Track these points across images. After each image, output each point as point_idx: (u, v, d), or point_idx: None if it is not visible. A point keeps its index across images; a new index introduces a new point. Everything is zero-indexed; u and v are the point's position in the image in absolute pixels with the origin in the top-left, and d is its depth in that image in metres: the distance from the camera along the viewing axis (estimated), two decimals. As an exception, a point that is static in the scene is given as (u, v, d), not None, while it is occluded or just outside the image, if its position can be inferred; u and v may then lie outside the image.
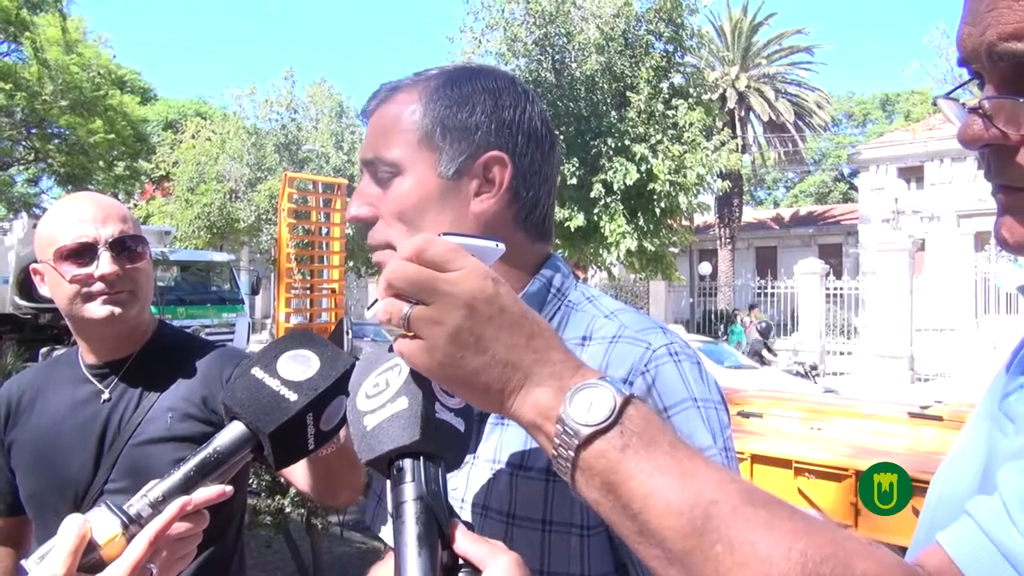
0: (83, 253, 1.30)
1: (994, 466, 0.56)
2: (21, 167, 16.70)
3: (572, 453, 0.56)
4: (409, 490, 0.60)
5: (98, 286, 1.31)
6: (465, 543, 0.59)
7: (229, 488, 0.73)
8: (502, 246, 0.68)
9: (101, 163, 15.90)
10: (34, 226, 11.26)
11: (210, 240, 23.47)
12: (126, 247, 1.34)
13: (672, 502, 0.53)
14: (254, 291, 16.48)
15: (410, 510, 0.59)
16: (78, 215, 1.33)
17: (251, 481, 3.05)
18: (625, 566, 0.76)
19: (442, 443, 0.63)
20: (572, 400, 0.57)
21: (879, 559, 0.51)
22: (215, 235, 23.70)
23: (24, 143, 15.40)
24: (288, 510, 3.66)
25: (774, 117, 25.79)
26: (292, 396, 0.72)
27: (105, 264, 1.30)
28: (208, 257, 15.78)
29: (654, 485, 0.54)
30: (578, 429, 0.56)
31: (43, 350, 12.85)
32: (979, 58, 0.55)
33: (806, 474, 4.02)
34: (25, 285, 13.43)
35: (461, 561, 0.59)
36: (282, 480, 3.62)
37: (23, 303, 13.56)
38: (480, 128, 0.83)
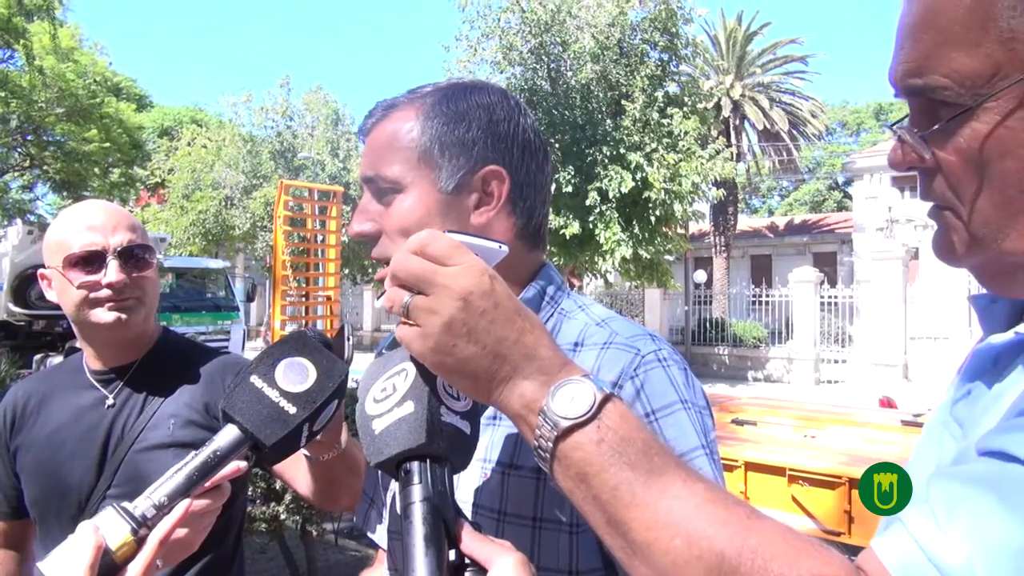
0: (91, 260, 1.33)
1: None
2: (16, 174, 16.67)
3: (551, 444, 0.60)
4: (416, 492, 0.62)
5: (105, 292, 1.33)
6: (471, 543, 0.61)
7: (244, 464, 0.76)
8: (505, 247, 0.71)
9: (96, 170, 15.90)
10: (29, 232, 11.14)
11: (205, 247, 23.41)
12: (134, 255, 1.36)
13: (638, 495, 0.57)
14: (249, 298, 16.44)
15: (417, 511, 0.61)
16: (88, 223, 1.35)
17: (247, 488, 3.05)
18: (613, 563, 0.78)
19: (448, 445, 0.66)
20: (555, 394, 0.61)
21: (825, 559, 0.53)
22: (210, 242, 23.64)
23: (19, 150, 15.38)
24: (283, 517, 3.65)
25: (768, 126, 25.89)
26: (292, 409, 0.74)
27: (113, 272, 1.32)
28: (203, 264, 15.73)
29: (623, 478, 0.57)
30: (558, 421, 0.59)
31: (37, 357, 12.77)
32: (901, 92, 0.61)
33: (800, 482, 4.03)
34: (20, 292, 13.37)
35: (467, 560, 0.61)
36: (277, 487, 3.62)
37: (17, 310, 13.49)
38: (477, 143, 0.86)
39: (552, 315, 0.91)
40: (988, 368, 0.64)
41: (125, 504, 0.71)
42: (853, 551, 0.56)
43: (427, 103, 0.87)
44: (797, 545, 0.54)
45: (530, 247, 0.92)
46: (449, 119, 0.86)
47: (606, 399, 0.60)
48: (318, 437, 1.03)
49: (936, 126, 0.58)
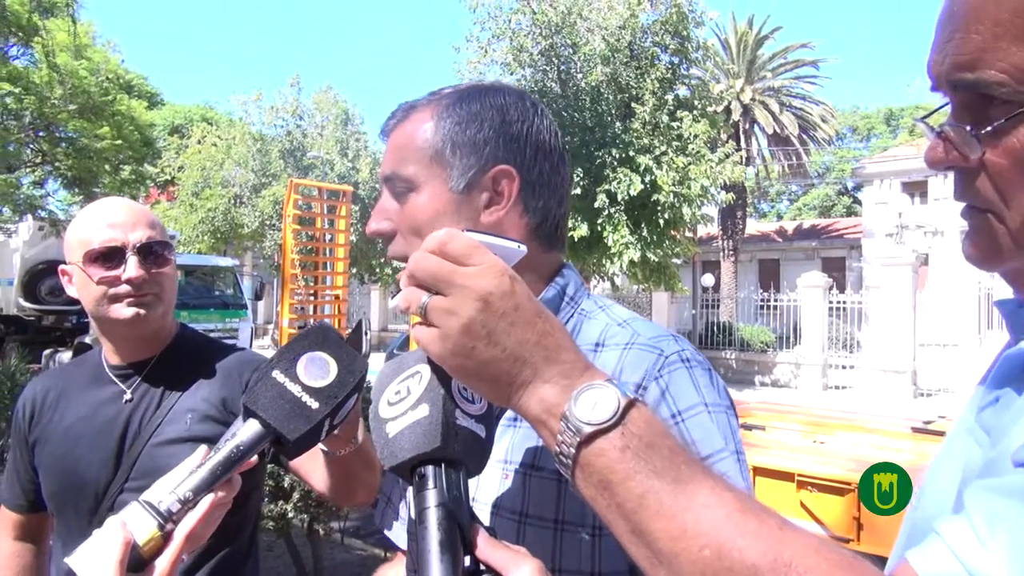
0: (111, 256, 1.34)
1: (968, 480, 0.57)
2: (28, 170, 16.73)
3: (573, 450, 0.58)
4: (431, 496, 0.61)
5: (124, 288, 1.35)
6: (487, 549, 0.60)
7: (254, 458, 0.76)
8: (524, 248, 0.69)
9: (107, 167, 15.92)
10: (40, 228, 11.21)
11: (214, 245, 23.51)
12: (153, 252, 1.38)
13: (665, 504, 0.55)
14: (257, 296, 16.49)
15: (432, 516, 0.60)
16: (108, 219, 1.37)
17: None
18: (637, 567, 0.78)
19: (463, 449, 0.64)
20: (578, 399, 0.59)
21: (862, 573, 0.52)
22: (219, 240, 23.75)
23: (32, 146, 15.44)
24: (290, 515, 3.66)
25: (778, 130, 25.83)
26: (314, 404, 0.73)
27: (132, 268, 1.34)
28: (212, 262, 15.80)
29: (649, 487, 0.55)
30: (581, 427, 0.57)
31: (46, 352, 12.87)
32: (943, 85, 0.58)
33: (809, 487, 4.02)
34: (30, 287, 13.47)
35: (483, 567, 0.59)
36: (285, 485, 3.63)
37: (27, 305, 13.59)
38: (488, 143, 0.87)
39: (572, 315, 0.91)
40: (1017, 375, 0.63)
41: (150, 499, 0.71)
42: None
43: (443, 104, 0.88)
44: (832, 558, 0.52)
45: (546, 247, 0.92)
46: (461, 119, 0.87)
47: (630, 404, 0.58)
48: (336, 431, 1.03)
49: (993, 125, 0.54)
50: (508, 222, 0.87)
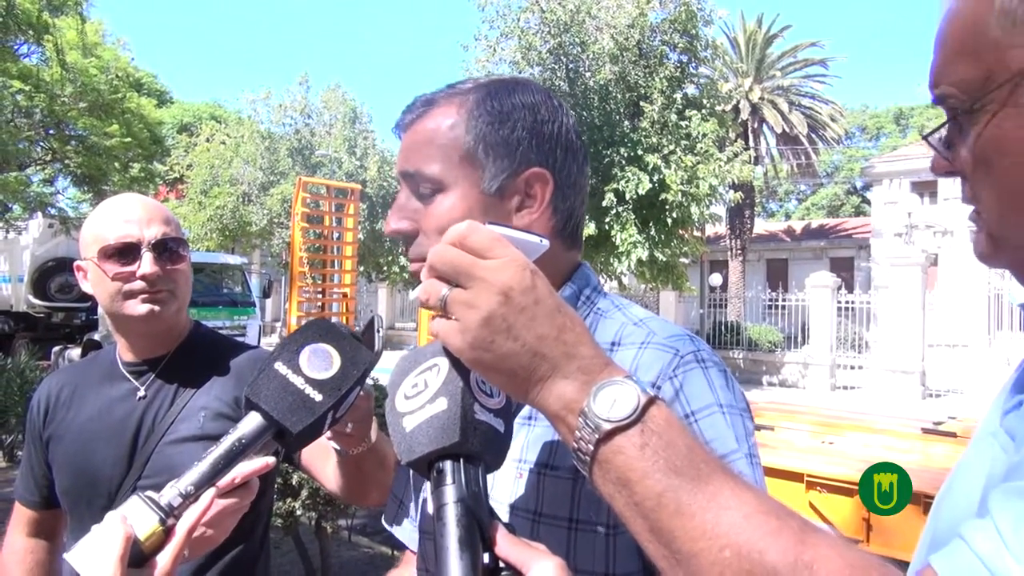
0: (126, 252, 1.35)
1: (993, 484, 0.57)
2: (38, 167, 16.79)
3: (592, 447, 0.57)
4: (450, 492, 0.60)
5: (139, 284, 1.35)
6: (507, 546, 0.59)
7: (272, 459, 0.75)
8: (546, 242, 0.68)
9: (117, 164, 15.97)
10: (50, 226, 11.27)
11: (222, 243, 23.55)
12: (167, 248, 1.38)
13: (684, 503, 0.54)
14: (266, 294, 16.51)
15: (451, 512, 0.59)
16: (124, 216, 1.37)
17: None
18: (652, 567, 0.77)
19: (482, 444, 0.63)
20: (597, 395, 0.58)
21: None
22: (227, 238, 23.79)
23: (42, 144, 15.50)
24: (298, 513, 3.67)
25: (787, 129, 25.72)
26: (317, 396, 0.73)
27: (147, 264, 1.34)
28: (221, 260, 15.82)
29: (668, 485, 0.55)
30: (599, 424, 0.57)
31: (55, 349, 12.96)
32: None
33: (818, 488, 4.00)
34: (40, 284, 13.56)
35: (502, 564, 0.58)
36: (294, 483, 3.64)
37: (37, 302, 13.68)
38: (521, 144, 0.84)
39: (588, 314, 0.90)
40: None
41: (151, 493, 0.70)
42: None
43: (470, 100, 0.85)
44: (854, 562, 0.51)
45: (567, 247, 0.91)
46: (494, 118, 0.84)
47: (650, 402, 0.57)
48: (348, 429, 1.02)
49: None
50: (537, 225, 0.85)
